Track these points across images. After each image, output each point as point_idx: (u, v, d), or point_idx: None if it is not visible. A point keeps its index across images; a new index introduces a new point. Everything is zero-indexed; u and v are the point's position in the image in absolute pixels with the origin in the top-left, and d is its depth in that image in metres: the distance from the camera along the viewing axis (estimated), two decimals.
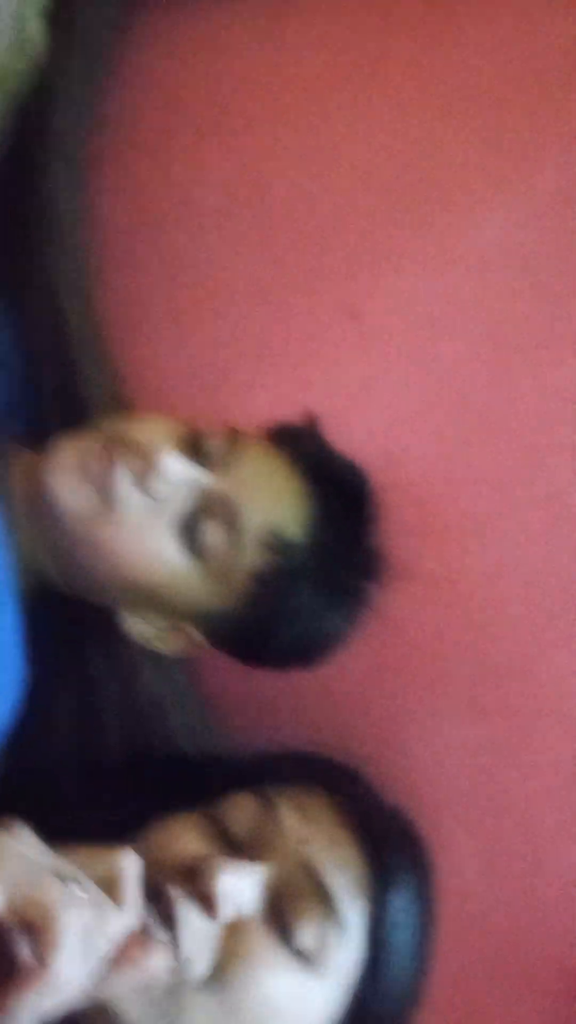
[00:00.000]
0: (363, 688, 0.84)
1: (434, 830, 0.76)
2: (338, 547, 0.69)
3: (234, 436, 0.69)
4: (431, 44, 0.91)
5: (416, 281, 0.86)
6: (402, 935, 0.56)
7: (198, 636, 0.72)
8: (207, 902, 0.50)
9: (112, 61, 0.94)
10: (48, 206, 0.85)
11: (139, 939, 0.47)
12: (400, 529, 0.74)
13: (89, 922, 0.41)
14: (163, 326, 0.89)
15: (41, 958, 0.38)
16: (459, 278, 0.86)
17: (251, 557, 0.66)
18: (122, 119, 0.95)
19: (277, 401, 0.77)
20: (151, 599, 0.69)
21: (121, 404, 0.83)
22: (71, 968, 0.39)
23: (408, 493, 0.78)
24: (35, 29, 0.82)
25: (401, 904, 0.56)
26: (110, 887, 0.44)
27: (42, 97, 0.87)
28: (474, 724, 0.83)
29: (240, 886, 0.51)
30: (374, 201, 0.90)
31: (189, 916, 0.50)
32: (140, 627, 0.72)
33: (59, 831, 0.60)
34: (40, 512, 0.68)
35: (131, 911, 0.45)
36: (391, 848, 0.58)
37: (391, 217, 0.89)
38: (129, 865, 0.45)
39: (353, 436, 0.74)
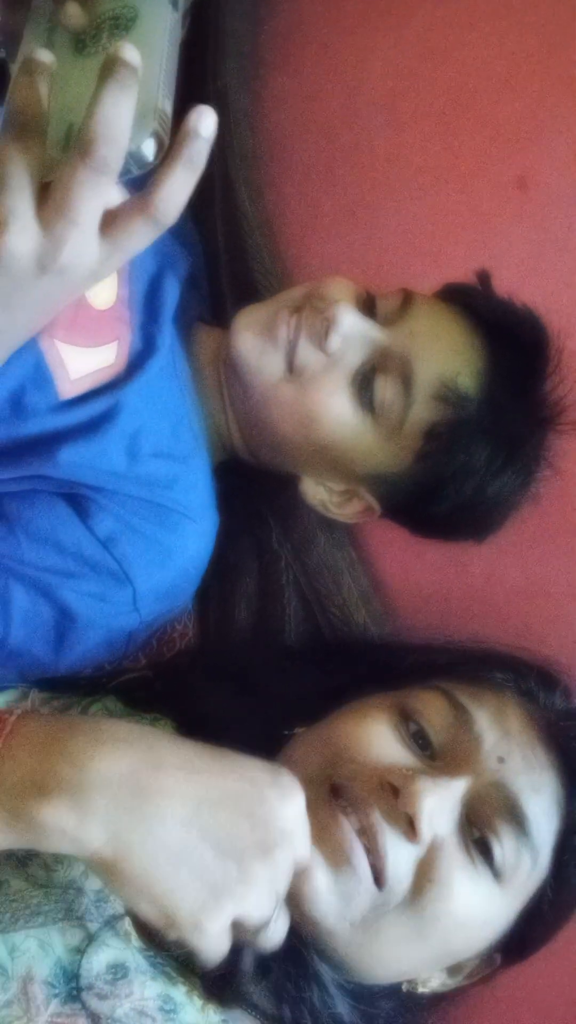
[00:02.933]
0: (530, 563, 0.83)
1: None
2: (512, 397, 0.68)
3: (407, 295, 0.70)
4: None
5: None
6: None
7: (372, 500, 0.74)
8: (409, 824, 0.51)
9: None
10: (220, 104, 0.89)
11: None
12: (574, 393, 0.73)
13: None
14: (330, 217, 0.91)
15: None
16: None
17: (424, 412, 0.67)
18: (286, 16, 0.97)
19: (448, 280, 0.77)
20: (328, 459, 0.71)
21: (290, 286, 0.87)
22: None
23: None
24: None
25: None
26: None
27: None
28: None
29: (442, 807, 0.51)
30: (541, 69, 0.87)
31: (394, 846, 0.51)
32: (319, 492, 0.75)
33: (246, 705, 0.65)
34: (227, 378, 0.72)
35: None
36: None
37: (559, 84, 0.86)
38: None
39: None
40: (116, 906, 0.52)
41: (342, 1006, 0.53)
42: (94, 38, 0.44)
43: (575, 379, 0.73)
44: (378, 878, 0.51)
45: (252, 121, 0.95)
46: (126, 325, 0.67)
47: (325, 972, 0.53)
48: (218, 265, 0.88)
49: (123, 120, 0.38)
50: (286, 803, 0.45)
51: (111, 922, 0.51)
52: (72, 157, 0.38)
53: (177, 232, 0.80)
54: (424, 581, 0.90)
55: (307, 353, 0.68)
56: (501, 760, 0.54)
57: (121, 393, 0.64)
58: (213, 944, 0.43)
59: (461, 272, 0.77)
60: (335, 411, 0.68)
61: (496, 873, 0.53)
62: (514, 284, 0.75)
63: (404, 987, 0.57)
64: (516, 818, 0.53)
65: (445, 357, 0.68)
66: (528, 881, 0.55)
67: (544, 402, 0.71)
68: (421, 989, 0.57)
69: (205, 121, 0.40)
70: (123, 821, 0.41)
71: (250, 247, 0.89)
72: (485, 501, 0.71)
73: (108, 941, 0.52)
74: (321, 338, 0.67)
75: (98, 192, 0.38)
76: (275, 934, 0.46)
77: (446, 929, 0.52)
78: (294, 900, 0.49)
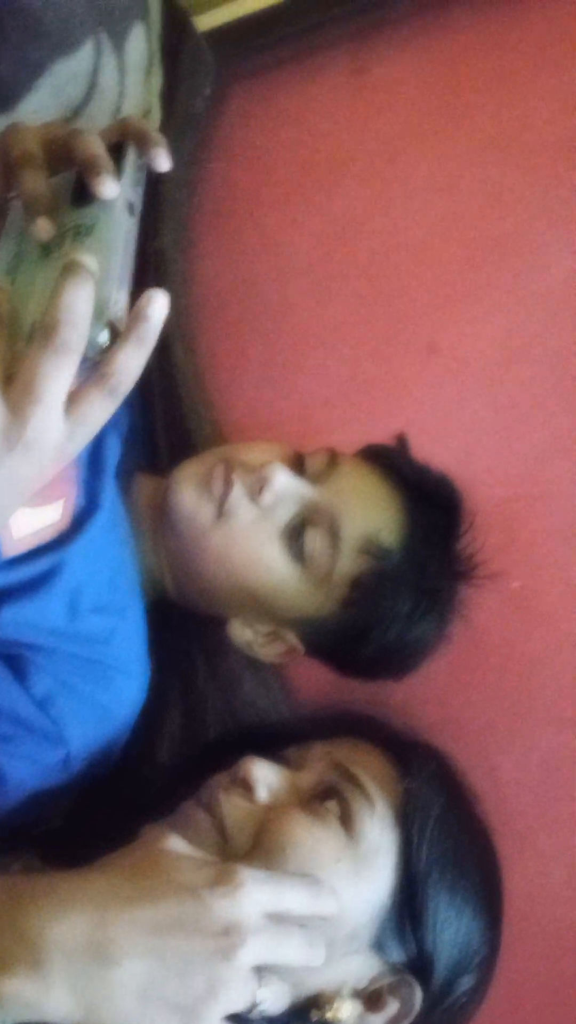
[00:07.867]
0: (446, 701, 0.88)
1: (518, 836, 0.79)
2: (431, 553, 0.74)
3: (333, 455, 0.76)
4: (501, 101, 0.99)
5: (490, 316, 0.93)
6: (427, 815, 0.62)
7: (297, 642, 0.77)
8: (244, 785, 0.60)
9: (209, 133, 1.05)
10: (157, 262, 0.95)
11: None
12: (485, 547, 0.79)
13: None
14: (257, 369, 0.97)
15: None
16: (529, 312, 0.92)
17: (350, 563, 0.72)
18: (218, 185, 1.05)
19: (365, 433, 0.83)
20: (257, 603, 0.75)
21: (221, 439, 0.92)
22: None
23: (491, 514, 0.82)
24: (156, 111, 0.94)
25: (423, 790, 0.63)
26: None
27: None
28: (558, 734, 0.86)
29: (268, 772, 0.61)
30: (449, 246, 0.97)
31: (233, 805, 0.59)
32: (245, 633, 0.78)
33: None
34: (162, 525, 0.75)
35: None
36: (413, 755, 0.66)
37: (465, 260, 0.96)
38: None
39: (438, 462, 0.80)
40: None
41: None
42: (58, 244, 0.48)
43: (487, 535, 0.79)
44: (220, 831, 0.57)
45: (186, 279, 1.02)
46: (71, 482, 0.69)
47: None
48: (153, 412, 0.92)
49: (82, 306, 0.42)
50: (227, 898, 0.47)
51: None
52: (36, 341, 0.41)
53: None
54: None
55: (240, 503, 0.72)
56: (338, 751, 0.64)
57: (64, 551, 0.66)
58: None
59: (377, 426, 0.84)
60: (266, 560, 0.72)
61: (344, 823, 0.59)
62: (427, 441, 0.82)
63: (314, 1016, 0.57)
64: (353, 782, 0.61)
65: (369, 514, 0.73)
66: (377, 840, 0.59)
67: (459, 557, 0.77)
68: (329, 1015, 0.57)
69: (155, 305, 0.44)
70: (85, 983, 0.44)
71: (184, 395, 0.94)
72: (406, 645, 0.76)
73: None
74: (255, 493, 0.71)
75: (61, 372, 0.42)
76: (272, 1005, 0.49)
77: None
78: None
